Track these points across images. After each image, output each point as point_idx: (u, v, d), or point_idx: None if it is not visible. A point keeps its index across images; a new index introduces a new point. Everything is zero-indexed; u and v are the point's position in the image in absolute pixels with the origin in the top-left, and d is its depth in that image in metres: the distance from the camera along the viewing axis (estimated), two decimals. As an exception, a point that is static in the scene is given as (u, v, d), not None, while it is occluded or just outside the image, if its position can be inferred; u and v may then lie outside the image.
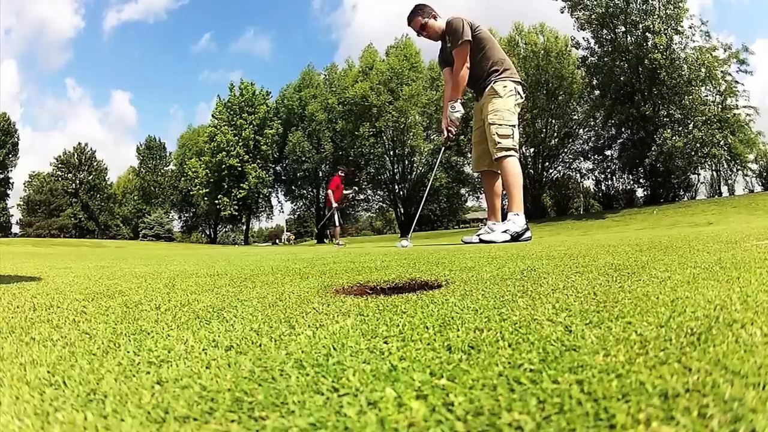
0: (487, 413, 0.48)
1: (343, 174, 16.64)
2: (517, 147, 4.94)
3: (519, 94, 5.02)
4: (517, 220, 4.92)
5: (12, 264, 3.66)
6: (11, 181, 61.05)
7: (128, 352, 0.79)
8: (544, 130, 36.52)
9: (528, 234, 4.96)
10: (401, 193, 45.57)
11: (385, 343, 0.75)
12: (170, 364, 0.70)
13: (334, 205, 15.93)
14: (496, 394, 0.52)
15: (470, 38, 5.01)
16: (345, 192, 16.51)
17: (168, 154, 64.99)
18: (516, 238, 4.83)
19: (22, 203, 64.72)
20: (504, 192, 5.13)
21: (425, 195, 7.01)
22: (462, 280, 1.44)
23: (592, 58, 32.75)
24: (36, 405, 0.56)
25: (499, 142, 4.88)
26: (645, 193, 33.53)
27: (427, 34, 5.24)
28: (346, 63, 48.19)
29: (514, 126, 4.97)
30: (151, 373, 0.66)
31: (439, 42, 5.25)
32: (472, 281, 1.40)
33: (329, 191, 16.37)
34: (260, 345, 0.79)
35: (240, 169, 43.12)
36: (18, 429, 0.49)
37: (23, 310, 1.24)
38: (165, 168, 63.80)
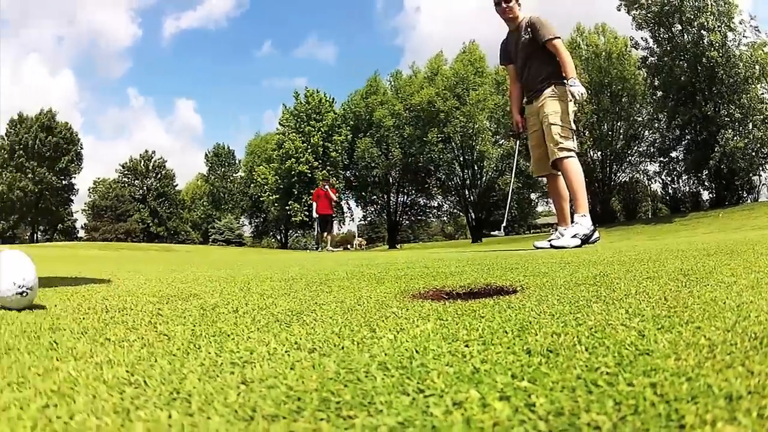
0: (567, 414, 0.49)
1: (326, 187, 16.95)
2: (576, 150, 4.85)
3: (575, 98, 4.91)
4: (584, 222, 4.87)
5: (79, 267, 3.69)
6: (75, 187, 62.12)
7: (209, 353, 0.80)
8: (610, 132, 36.13)
9: (596, 235, 4.90)
10: (471, 198, 45.21)
11: (466, 346, 0.76)
12: (254, 365, 0.72)
13: (314, 215, 16.44)
14: (575, 396, 0.53)
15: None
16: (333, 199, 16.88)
17: (237, 161, 65.48)
18: (585, 240, 4.78)
19: (87, 208, 65.64)
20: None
21: (509, 194, 6.91)
22: (537, 285, 1.44)
23: (652, 58, 32.39)
24: (115, 403, 0.57)
25: (560, 143, 4.81)
26: (710, 195, 33.06)
27: (509, 9, 5.07)
28: (411, 69, 48.33)
29: (573, 131, 4.92)
30: (235, 373, 0.68)
31: (506, 31, 5.19)
32: (546, 286, 1.40)
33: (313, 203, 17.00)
34: (343, 347, 0.80)
35: (310, 175, 43.03)
36: (96, 427, 0.50)
37: (95, 311, 1.27)
38: (234, 174, 64.30)
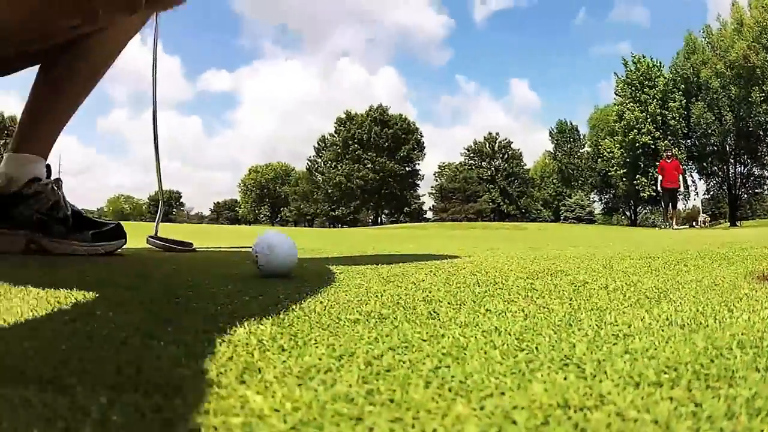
0: None
1: (669, 159, 16.10)
2: None
3: None
4: None
5: (435, 244, 3.82)
6: (420, 173, 64.45)
7: (590, 325, 0.81)
8: None
9: None
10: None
11: None
12: (633, 337, 0.73)
13: (659, 189, 15.67)
14: None
15: None
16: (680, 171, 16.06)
17: (582, 136, 65.24)
18: None
19: (434, 191, 67.82)
20: None
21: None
22: None
23: None
24: (510, 366, 0.60)
25: None
26: None
27: None
28: (718, 21, 44.79)
29: None
30: (618, 344, 0.69)
31: None
32: None
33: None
34: (707, 325, 0.80)
35: (653, 146, 41.96)
36: (495, 385, 0.53)
37: (467, 285, 1.30)
38: (580, 150, 64.07)
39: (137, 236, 2.68)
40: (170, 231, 3.79)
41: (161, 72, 2.84)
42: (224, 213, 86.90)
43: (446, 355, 0.65)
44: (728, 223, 42.31)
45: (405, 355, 0.65)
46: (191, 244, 2.69)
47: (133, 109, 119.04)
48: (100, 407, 0.47)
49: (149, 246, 2.60)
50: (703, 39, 45.55)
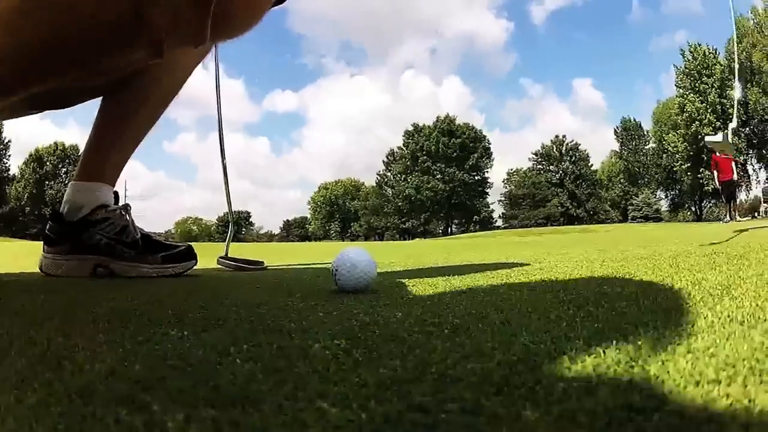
0: None
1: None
2: None
3: None
4: None
5: (505, 252, 3.82)
6: (489, 180, 64.96)
7: (656, 327, 0.83)
8: None
9: None
10: None
11: None
12: (695, 336, 0.74)
13: (716, 184, 15.46)
14: None
15: None
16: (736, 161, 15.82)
17: (645, 132, 65.04)
18: None
19: (503, 198, 68.05)
20: None
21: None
22: None
23: None
24: (578, 371, 0.62)
25: None
26: None
27: None
28: (762, 1, 44.32)
29: None
30: (681, 344, 0.70)
31: None
32: None
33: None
34: (765, 320, 0.81)
35: (715, 138, 41.80)
36: (563, 390, 0.55)
37: (537, 292, 1.31)
38: (645, 147, 63.74)
39: (207, 257, 2.72)
40: (240, 250, 3.83)
41: (225, 95, 2.89)
42: (294, 230, 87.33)
43: (517, 362, 0.66)
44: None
45: (477, 363, 0.66)
46: (262, 262, 2.72)
47: (200, 133, 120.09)
48: (177, 423, 0.49)
49: (220, 266, 2.63)
50: (752, 20, 44.93)
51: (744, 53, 45.13)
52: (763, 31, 44.57)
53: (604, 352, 0.70)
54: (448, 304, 1.19)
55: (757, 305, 0.92)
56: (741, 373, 0.57)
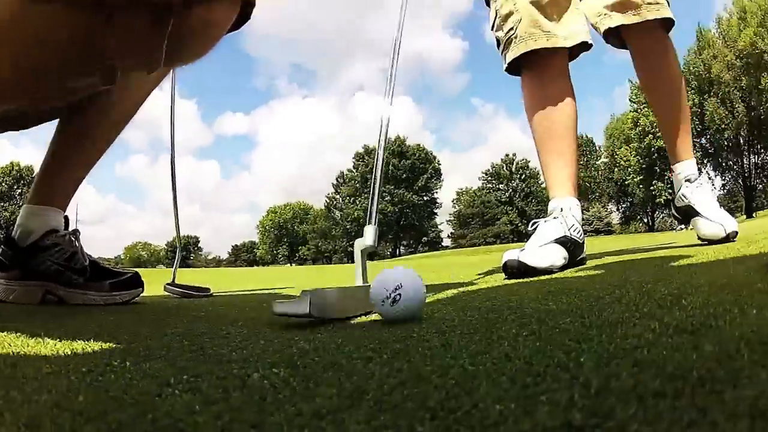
0: None
1: None
2: None
3: None
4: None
5: (452, 271, 3.83)
6: (438, 201, 65.44)
7: (600, 342, 0.82)
8: None
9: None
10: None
11: None
12: (642, 349, 0.73)
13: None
14: None
15: None
16: None
17: (597, 148, 66.30)
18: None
19: (452, 218, 68.68)
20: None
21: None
22: None
23: None
24: (517, 392, 0.60)
25: None
26: None
27: None
28: (726, 11, 45.67)
29: None
30: (626, 358, 0.69)
31: None
32: None
33: None
34: (717, 327, 0.79)
35: (669, 150, 42.88)
36: (499, 412, 0.53)
37: (480, 312, 1.30)
38: (597, 162, 64.87)
39: (155, 283, 2.70)
40: (188, 276, 3.79)
41: (178, 117, 2.87)
42: (242, 255, 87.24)
43: (455, 386, 0.66)
44: (745, 216, 42.70)
45: (414, 389, 0.66)
46: (208, 289, 2.71)
47: (151, 155, 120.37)
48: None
49: (167, 293, 2.61)
50: (715, 31, 46.01)
51: (703, 64, 46.66)
52: (725, 41, 45.31)
53: (544, 370, 0.69)
54: (390, 328, 1.19)
55: (709, 313, 0.91)
56: (690, 384, 0.56)
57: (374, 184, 1.97)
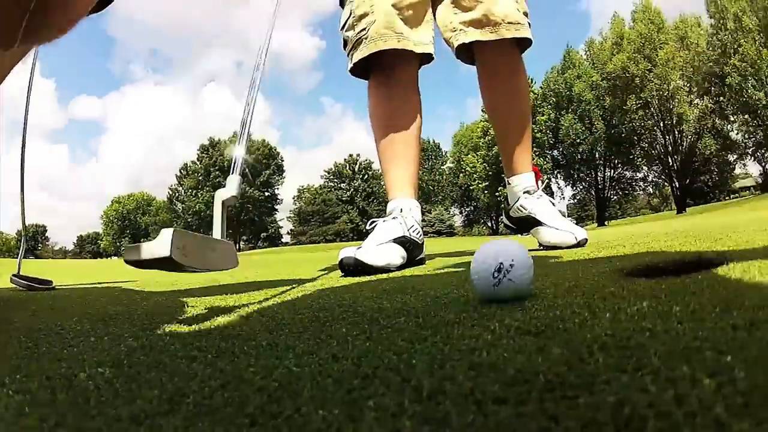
0: (762, 387, 0.48)
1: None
2: None
3: None
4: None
5: (289, 268, 3.72)
6: (279, 197, 65.31)
7: (435, 343, 0.81)
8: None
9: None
10: (674, 165, 44.87)
11: (679, 324, 0.74)
12: (480, 351, 0.72)
13: None
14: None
15: None
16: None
17: (444, 153, 67.34)
18: None
19: (293, 215, 68.60)
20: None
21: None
22: (740, 256, 1.38)
23: None
24: (342, 395, 0.60)
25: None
26: None
27: None
28: (600, 35, 48.66)
29: None
30: (463, 360, 0.69)
31: None
32: (748, 257, 1.33)
33: None
34: (566, 329, 0.80)
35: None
36: (323, 418, 0.53)
37: (312, 310, 1.29)
38: (442, 167, 65.74)
39: (6, 275, 2.64)
40: (33, 267, 3.69)
41: (35, 96, 2.78)
42: (87, 246, 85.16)
43: (278, 389, 0.65)
44: (596, 224, 44.29)
45: (236, 391, 0.65)
46: (51, 282, 2.64)
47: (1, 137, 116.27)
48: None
49: (13, 285, 2.54)
50: (584, 52, 48.13)
51: (565, 83, 49.07)
52: (594, 63, 48.17)
53: (373, 372, 0.68)
54: (218, 326, 1.17)
55: (556, 315, 0.91)
56: (537, 389, 0.55)
57: (244, 127, 1.90)
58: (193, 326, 1.19)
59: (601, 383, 0.54)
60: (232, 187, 1.66)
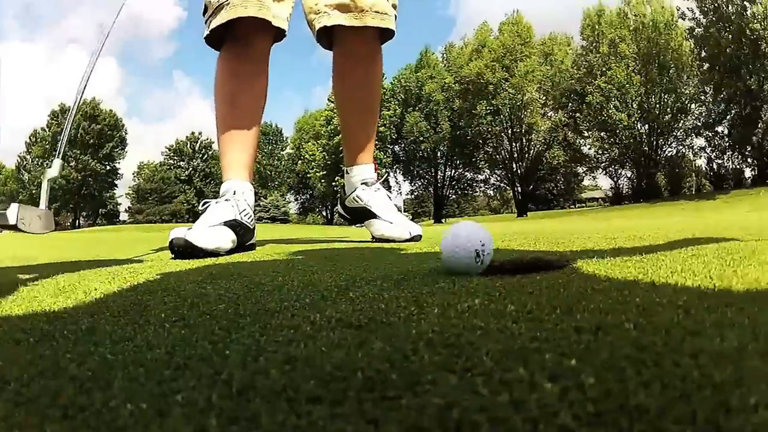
0: (616, 395, 0.47)
1: None
2: None
3: None
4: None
5: (120, 249, 3.65)
6: (119, 171, 64.64)
7: (252, 333, 0.78)
8: (658, 105, 36.61)
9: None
10: (518, 171, 46.40)
11: (515, 323, 0.73)
12: (297, 343, 0.70)
13: None
14: (624, 377, 0.51)
15: None
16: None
17: (285, 139, 67.33)
18: None
19: (131, 192, 67.70)
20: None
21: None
22: (584, 260, 1.40)
23: (699, 30, 32.81)
24: (152, 387, 0.57)
25: None
26: (753, 173, 33.45)
27: None
28: (462, 41, 49.93)
29: None
30: (278, 352, 0.66)
31: None
32: (593, 262, 1.35)
33: None
34: (390, 324, 0.77)
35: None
36: (130, 413, 0.50)
37: (137, 293, 1.25)
38: (281, 152, 65.90)
39: None
40: None
41: None
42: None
43: (90, 378, 0.61)
44: (433, 221, 45.20)
45: (52, 380, 0.61)
46: None
47: None
48: None
49: None
50: (441, 55, 49.76)
51: (417, 81, 50.32)
52: (449, 66, 49.65)
53: (185, 363, 0.65)
54: (46, 307, 1.12)
55: (380, 308, 0.89)
56: (354, 388, 0.51)
57: (68, 122, 2.34)
58: (23, 306, 1.15)
59: (426, 383, 0.52)
60: (55, 168, 2.15)
